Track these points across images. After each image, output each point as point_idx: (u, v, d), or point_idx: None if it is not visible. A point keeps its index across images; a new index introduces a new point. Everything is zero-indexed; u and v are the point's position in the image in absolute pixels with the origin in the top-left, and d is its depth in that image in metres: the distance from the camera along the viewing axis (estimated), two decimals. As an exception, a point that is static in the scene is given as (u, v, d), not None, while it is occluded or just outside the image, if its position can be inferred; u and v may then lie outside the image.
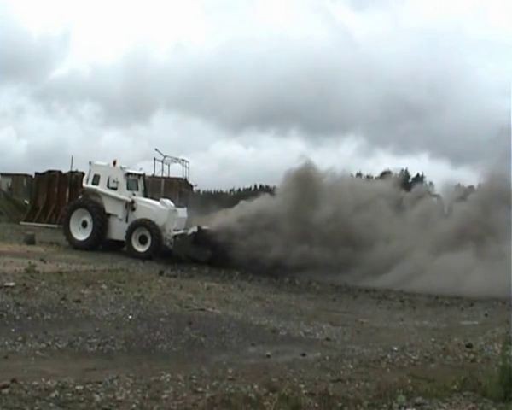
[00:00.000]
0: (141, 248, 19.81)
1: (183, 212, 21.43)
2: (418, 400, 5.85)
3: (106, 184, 20.86)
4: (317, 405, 5.65)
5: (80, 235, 20.81)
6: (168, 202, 21.16)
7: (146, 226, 19.91)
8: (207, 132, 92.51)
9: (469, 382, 6.51)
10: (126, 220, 20.52)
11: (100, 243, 20.84)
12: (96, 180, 21.05)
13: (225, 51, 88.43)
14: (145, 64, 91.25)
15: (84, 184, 21.52)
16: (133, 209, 20.63)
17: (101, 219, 20.62)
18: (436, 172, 69.90)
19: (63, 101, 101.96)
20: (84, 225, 20.82)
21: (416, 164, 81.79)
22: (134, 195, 21.14)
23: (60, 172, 32.38)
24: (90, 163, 21.58)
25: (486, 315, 13.16)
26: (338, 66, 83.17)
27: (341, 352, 8.36)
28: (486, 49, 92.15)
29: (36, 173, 33.96)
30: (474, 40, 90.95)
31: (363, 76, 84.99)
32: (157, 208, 20.51)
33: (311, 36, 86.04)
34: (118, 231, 20.55)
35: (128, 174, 21.25)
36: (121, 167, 21.10)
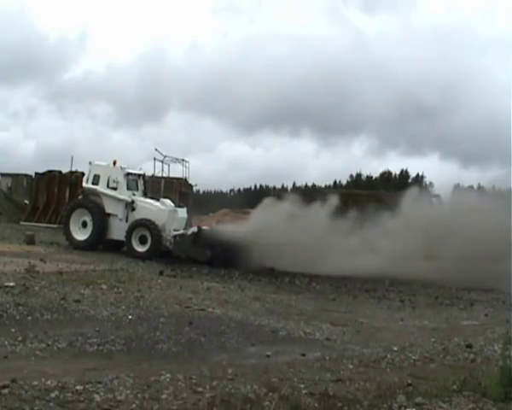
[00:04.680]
0: (141, 248, 19.81)
1: (183, 212, 21.44)
2: (418, 400, 5.84)
3: (106, 184, 20.88)
4: (316, 405, 5.64)
5: (80, 235, 20.84)
6: (168, 202, 21.17)
7: (146, 226, 19.92)
8: (218, 133, 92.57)
9: (469, 382, 6.51)
10: (126, 220, 20.53)
11: (100, 243, 20.86)
12: (95, 180, 21.07)
13: (239, 52, 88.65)
14: (159, 65, 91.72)
15: (84, 184, 21.54)
16: (133, 209, 20.64)
17: (101, 219, 20.64)
18: (445, 172, 69.80)
19: (77, 101, 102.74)
20: (84, 225, 20.84)
21: (426, 164, 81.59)
22: (134, 195, 21.15)
23: (60, 172, 32.42)
24: (90, 163, 21.62)
25: (486, 315, 13.15)
26: (350, 67, 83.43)
27: (341, 352, 8.35)
28: (498, 50, 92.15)
29: (36, 173, 33.98)
30: (486, 41, 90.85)
31: (374, 77, 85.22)
32: (157, 208, 20.52)
33: (323, 37, 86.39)
34: (118, 231, 20.56)
35: (128, 174, 21.28)
36: (121, 167, 21.13)
